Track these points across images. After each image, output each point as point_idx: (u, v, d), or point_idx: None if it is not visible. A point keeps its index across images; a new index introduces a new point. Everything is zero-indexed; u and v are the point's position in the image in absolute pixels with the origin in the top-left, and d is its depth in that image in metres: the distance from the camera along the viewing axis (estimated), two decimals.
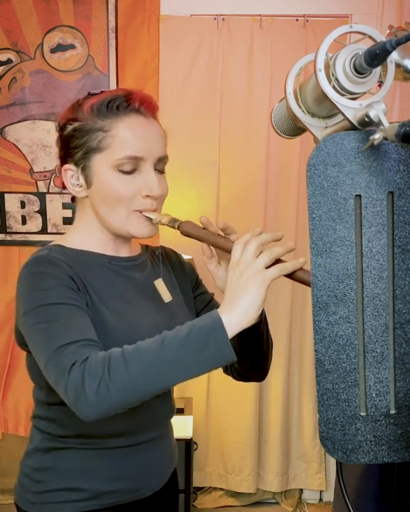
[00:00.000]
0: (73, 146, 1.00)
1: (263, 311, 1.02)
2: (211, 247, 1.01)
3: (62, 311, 0.89)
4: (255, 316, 0.85)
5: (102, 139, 0.97)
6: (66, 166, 1.02)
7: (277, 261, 0.87)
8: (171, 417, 1.15)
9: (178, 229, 0.99)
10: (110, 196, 0.99)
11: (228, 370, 1.15)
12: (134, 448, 1.04)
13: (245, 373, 1.13)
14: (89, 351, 0.84)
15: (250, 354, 1.06)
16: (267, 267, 0.85)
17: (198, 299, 1.18)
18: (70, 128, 1.00)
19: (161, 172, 1.04)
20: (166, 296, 1.07)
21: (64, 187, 1.05)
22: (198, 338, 0.82)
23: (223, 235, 0.98)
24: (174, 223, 0.99)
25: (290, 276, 0.87)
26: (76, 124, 0.99)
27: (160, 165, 1.03)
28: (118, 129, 0.97)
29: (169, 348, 0.82)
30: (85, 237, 1.05)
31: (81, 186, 1.02)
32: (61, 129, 1.02)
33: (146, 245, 1.19)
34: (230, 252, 0.90)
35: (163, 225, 1.01)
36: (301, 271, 0.87)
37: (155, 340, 0.84)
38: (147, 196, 0.99)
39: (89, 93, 1.03)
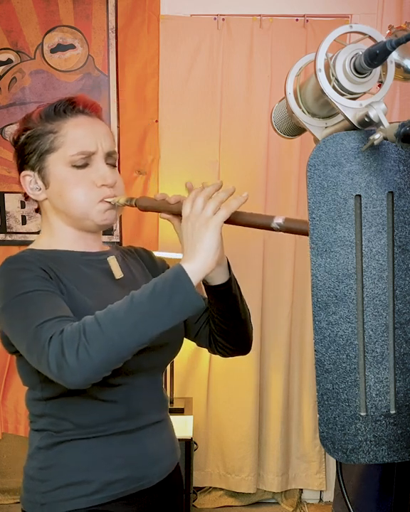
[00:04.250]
0: (27, 153, 1.06)
1: (230, 270, 1.07)
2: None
3: (36, 297, 0.94)
4: (214, 259, 0.89)
5: (54, 139, 1.04)
6: (24, 173, 1.08)
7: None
8: (166, 404, 1.18)
9: (136, 206, 1.04)
10: (67, 191, 1.04)
11: (213, 347, 1.18)
12: (134, 433, 1.06)
13: (229, 346, 1.15)
14: (64, 324, 0.88)
15: (230, 320, 1.10)
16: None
17: None
18: (22, 137, 1.07)
19: (113, 166, 1.09)
20: (118, 272, 1.11)
21: (26, 197, 1.11)
22: (164, 289, 0.87)
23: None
24: (130, 201, 1.05)
25: (240, 222, 0.93)
26: (28, 132, 1.07)
27: (110, 159, 1.08)
28: (67, 128, 1.04)
29: (138, 303, 0.87)
30: (53, 239, 1.10)
31: (40, 189, 1.08)
32: (15, 141, 1.09)
33: (117, 246, 1.25)
34: None
35: (122, 205, 1.06)
36: (248, 215, 0.93)
37: (124, 300, 0.89)
38: (103, 185, 1.05)
39: (38, 107, 1.09)
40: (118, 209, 1.08)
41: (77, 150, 1.03)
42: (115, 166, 1.10)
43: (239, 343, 1.16)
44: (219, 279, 1.05)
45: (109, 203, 1.05)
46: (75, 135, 1.04)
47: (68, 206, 1.05)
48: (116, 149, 1.10)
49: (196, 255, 0.89)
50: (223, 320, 1.10)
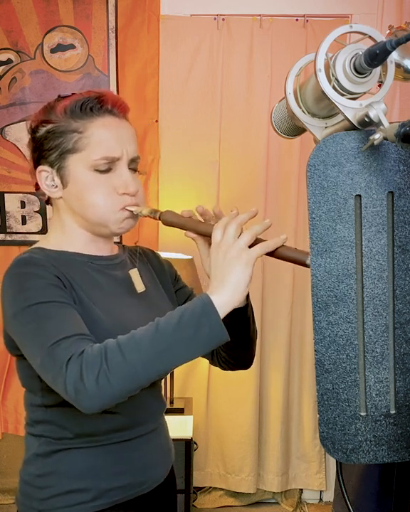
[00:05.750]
0: (47, 148, 1.01)
1: (248, 294, 1.04)
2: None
3: (52, 308, 0.90)
4: (244, 295, 0.87)
5: (78, 140, 0.99)
6: (40, 168, 1.03)
7: (258, 239, 0.89)
8: (164, 409, 1.17)
9: (159, 219, 1.01)
10: (86, 195, 1.00)
11: (215, 360, 1.17)
12: (133, 442, 1.05)
13: (232, 360, 1.15)
14: (84, 345, 0.86)
15: (238, 339, 1.09)
16: (249, 246, 0.88)
17: (180, 293, 1.21)
18: (43, 130, 1.01)
19: (135, 171, 1.06)
20: (140, 286, 1.09)
21: (37, 188, 1.06)
22: (191, 321, 0.84)
23: (203, 221, 1.00)
24: (154, 214, 1.01)
25: (273, 254, 0.90)
26: (49, 126, 1.01)
27: (133, 164, 1.05)
28: (93, 129, 0.99)
29: (163, 333, 0.84)
30: (64, 238, 1.06)
31: (56, 187, 1.03)
32: (33, 131, 1.04)
33: (124, 246, 1.21)
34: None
35: (144, 216, 1.03)
36: (283, 248, 0.89)
37: (149, 328, 0.86)
38: (124, 194, 1.01)
39: (59, 96, 1.04)
40: (136, 218, 1.04)
41: (101, 154, 0.98)
42: (137, 171, 1.06)
43: (242, 359, 1.15)
44: None
45: (131, 212, 1.02)
46: (101, 138, 0.99)
47: (86, 210, 1.01)
48: (139, 154, 1.06)
49: (226, 287, 0.86)
50: (231, 338, 1.09)
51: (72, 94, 1.03)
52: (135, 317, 1.00)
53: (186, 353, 0.85)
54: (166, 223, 1.01)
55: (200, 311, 0.84)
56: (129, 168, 1.03)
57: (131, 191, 1.01)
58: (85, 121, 0.99)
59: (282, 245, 0.89)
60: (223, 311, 0.85)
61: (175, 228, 1.02)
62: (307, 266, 0.86)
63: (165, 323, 0.85)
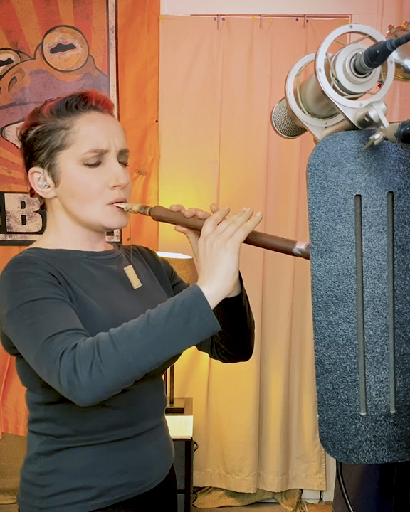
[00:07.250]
0: (37, 149, 1.03)
1: (242, 283, 1.06)
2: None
3: (46, 305, 0.91)
4: (232, 283, 0.89)
5: (65, 136, 1.01)
6: (32, 169, 1.05)
7: None
8: (164, 406, 1.17)
9: (149, 214, 1.02)
10: (79, 190, 1.02)
11: (215, 353, 1.18)
12: (133, 440, 1.05)
13: (231, 352, 1.16)
14: (77, 338, 0.87)
15: (235, 330, 1.10)
16: None
17: (177, 288, 1.22)
18: (31, 132, 1.04)
19: (125, 165, 1.07)
20: (136, 282, 1.10)
21: (32, 193, 1.08)
22: (181, 312, 0.85)
23: (193, 215, 1.01)
24: (144, 210, 1.03)
25: (258, 243, 0.93)
26: (37, 128, 1.03)
27: (122, 157, 1.06)
28: (79, 125, 1.01)
29: (155, 324, 0.85)
30: (59, 238, 1.07)
31: (49, 186, 1.04)
32: (23, 136, 1.06)
33: (119, 244, 1.22)
34: (200, 230, 0.94)
35: (134, 212, 1.04)
36: (270, 237, 0.92)
37: (140, 320, 0.87)
38: (115, 186, 1.03)
39: (46, 101, 1.06)
40: (127, 215, 1.06)
41: (89, 148, 1.00)
42: (127, 165, 1.08)
43: (241, 350, 1.16)
44: (231, 292, 1.02)
45: (121, 208, 1.03)
46: (88, 132, 1.01)
47: (79, 205, 1.02)
48: (128, 147, 1.07)
49: (215, 277, 0.88)
50: (228, 329, 1.09)
51: (57, 97, 1.05)
52: (132, 310, 1.00)
53: (178, 344, 0.87)
54: (157, 218, 1.02)
55: (190, 302, 0.86)
56: (119, 162, 1.04)
57: (122, 183, 1.02)
58: (71, 118, 1.01)
59: (271, 235, 0.92)
60: (213, 300, 0.87)
61: (176, 229, 1.03)
62: (293, 254, 0.89)
63: (156, 315, 0.86)
